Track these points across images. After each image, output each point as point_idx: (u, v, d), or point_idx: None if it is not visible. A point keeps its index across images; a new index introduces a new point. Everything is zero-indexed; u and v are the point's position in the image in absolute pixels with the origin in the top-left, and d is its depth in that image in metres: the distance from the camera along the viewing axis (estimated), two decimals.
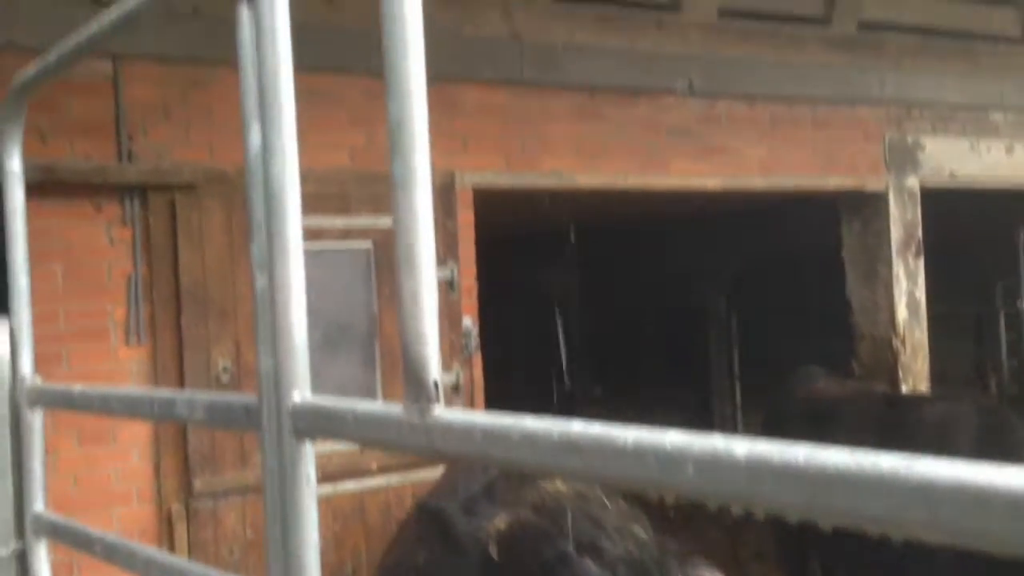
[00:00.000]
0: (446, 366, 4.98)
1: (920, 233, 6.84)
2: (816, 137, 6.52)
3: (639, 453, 0.81)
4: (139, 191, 4.47)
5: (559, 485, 3.45)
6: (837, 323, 7.08)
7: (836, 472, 0.69)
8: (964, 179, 7.09)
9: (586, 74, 5.79)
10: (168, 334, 4.53)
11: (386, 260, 5.08)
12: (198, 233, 4.58)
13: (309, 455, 1.24)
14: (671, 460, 0.79)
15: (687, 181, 6.15)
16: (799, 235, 8.24)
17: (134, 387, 4.32)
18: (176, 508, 4.53)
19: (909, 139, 6.85)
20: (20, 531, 2.02)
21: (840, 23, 6.61)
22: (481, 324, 5.41)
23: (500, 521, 3.22)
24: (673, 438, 0.79)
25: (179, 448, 4.56)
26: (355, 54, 4.82)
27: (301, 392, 1.25)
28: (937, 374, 6.99)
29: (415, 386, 1.04)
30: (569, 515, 3.13)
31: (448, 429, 1.01)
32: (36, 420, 2.04)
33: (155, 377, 4.50)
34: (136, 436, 4.49)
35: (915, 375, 6.72)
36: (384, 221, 4.96)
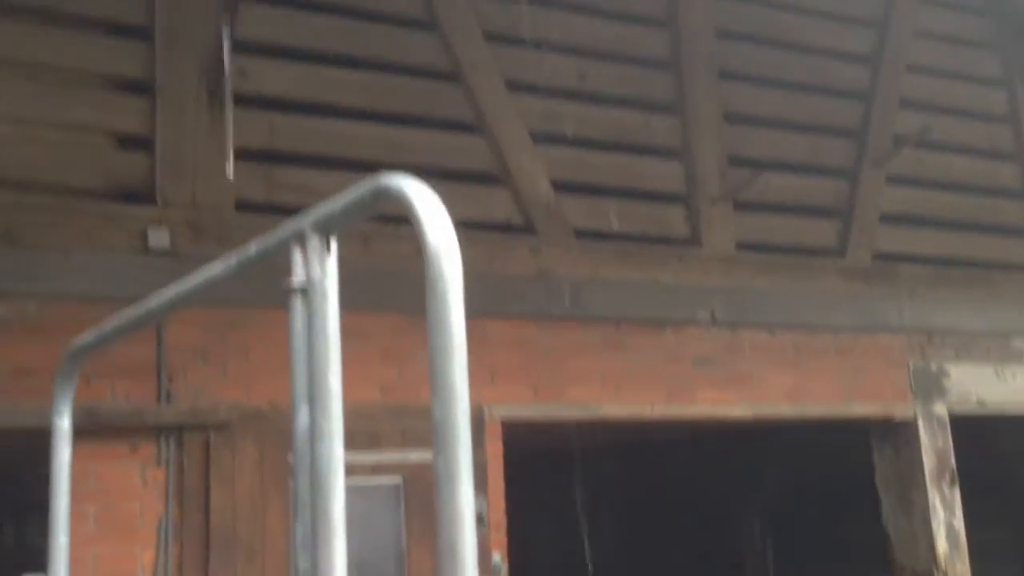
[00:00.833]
0: None
1: (953, 461, 6.76)
2: (840, 364, 6.59)
3: None
4: (175, 431, 4.55)
5: None
6: (876, 553, 6.89)
7: None
8: (992, 406, 7.08)
9: (610, 307, 5.95)
10: None
11: (416, 495, 5.07)
12: (230, 472, 4.62)
13: None
14: None
15: (713, 410, 6.19)
16: (832, 461, 8.16)
17: None
18: None
19: (933, 366, 6.90)
20: None
21: (855, 254, 6.83)
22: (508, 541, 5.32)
23: None
24: None
25: None
26: (387, 293, 5.01)
27: None
28: None
29: None
30: None
31: None
32: None
33: None
34: None
35: None
36: (414, 455, 4.99)
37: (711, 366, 6.19)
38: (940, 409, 6.84)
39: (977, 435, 7.06)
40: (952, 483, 6.70)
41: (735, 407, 6.23)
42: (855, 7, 7.05)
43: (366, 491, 5.03)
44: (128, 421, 4.41)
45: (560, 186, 5.98)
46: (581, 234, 6.01)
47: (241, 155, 5.04)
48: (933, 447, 6.73)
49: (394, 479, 5.13)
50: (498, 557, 5.29)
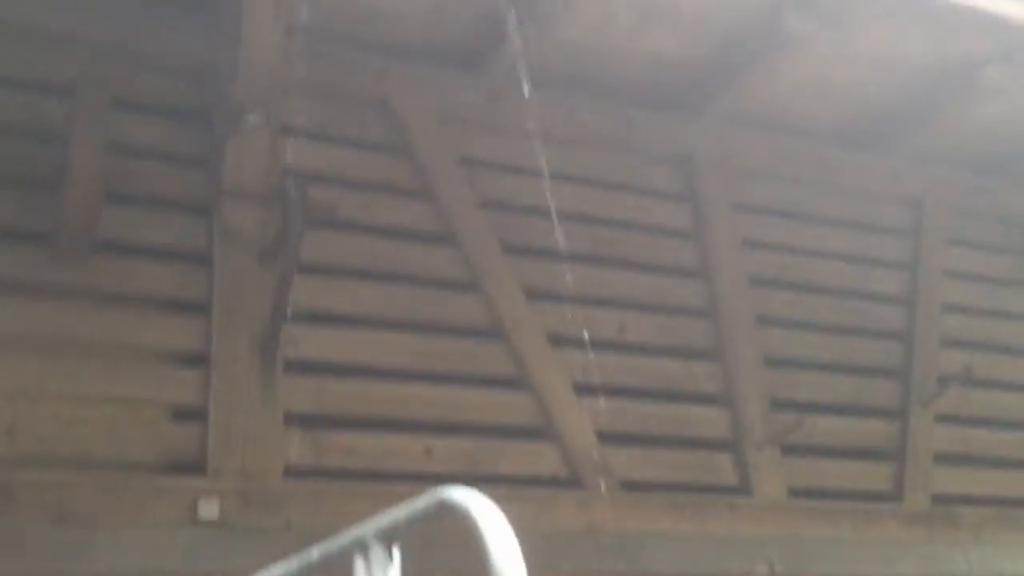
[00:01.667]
0: None
1: None
2: None
3: None
4: None
5: None
6: None
7: None
8: None
9: (664, 562, 5.78)
10: None
11: None
12: None
13: None
14: None
15: None
16: None
17: None
18: None
19: None
20: None
21: (912, 498, 6.66)
22: None
23: None
24: None
25: None
26: None
27: None
28: None
29: None
30: None
31: None
32: None
33: None
34: None
35: None
36: None
37: None
38: None
39: None
40: None
41: None
42: (885, 251, 7.23)
43: None
44: None
45: (605, 437, 5.97)
46: (629, 486, 5.94)
47: (290, 421, 5.11)
48: None
49: None
50: None
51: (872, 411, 6.91)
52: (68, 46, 4.93)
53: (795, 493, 6.36)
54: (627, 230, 6.42)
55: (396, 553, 1.76)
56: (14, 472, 4.48)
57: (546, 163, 5.48)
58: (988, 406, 7.27)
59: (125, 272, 4.96)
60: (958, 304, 7.44)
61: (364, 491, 4.97)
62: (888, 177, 7.22)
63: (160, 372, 4.98)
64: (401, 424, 5.43)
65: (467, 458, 5.57)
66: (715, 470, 6.29)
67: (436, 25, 5.62)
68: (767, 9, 5.64)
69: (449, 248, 5.83)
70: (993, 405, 7.29)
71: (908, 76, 6.39)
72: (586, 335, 5.92)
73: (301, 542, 2.21)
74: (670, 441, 6.23)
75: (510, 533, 1.55)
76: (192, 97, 5.23)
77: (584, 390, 5.98)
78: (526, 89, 5.38)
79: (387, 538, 1.76)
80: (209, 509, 4.64)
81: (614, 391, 6.10)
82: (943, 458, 6.93)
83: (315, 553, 1.91)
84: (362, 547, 1.79)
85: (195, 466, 4.87)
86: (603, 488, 5.78)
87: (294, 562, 1.94)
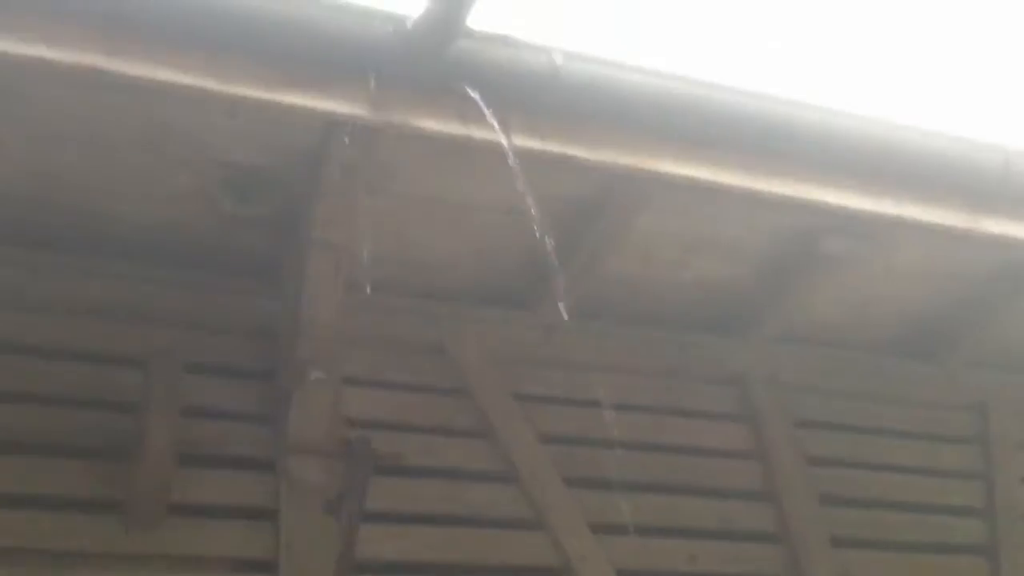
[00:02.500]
0: None
1: None
2: None
3: None
4: None
5: None
6: None
7: None
8: None
9: None
10: None
11: None
12: None
13: None
14: None
15: None
16: None
17: None
18: None
19: None
20: None
21: None
22: None
23: None
24: None
25: None
26: None
27: None
28: None
29: None
30: None
31: None
32: None
33: None
34: None
35: None
36: None
37: None
38: None
39: None
40: None
41: None
42: (952, 462, 7.07)
43: None
44: None
45: None
46: None
47: None
48: None
49: None
50: None
51: None
52: (137, 320, 5.17)
53: None
54: (689, 455, 6.37)
55: None
56: None
57: (604, 394, 5.52)
58: None
59: (195, 534, 5.00)
60: None
61: None
62: (946, 384, 7.13)
63: None
64: None
65: None
66: None
67: (483, 270, 5.84)
68: (802, 231, 5.77)
69: (511, 486, 5.81)
70: None
71: (951, 287, 6.48)
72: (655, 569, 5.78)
73: None
74: None
75: None
76: (257, 357, 5.41)
77: None
78: (572, 323, 5.46)
79: None
80: None
81: None
82: None
83: None
84: None
85: None
86: None
87: None
